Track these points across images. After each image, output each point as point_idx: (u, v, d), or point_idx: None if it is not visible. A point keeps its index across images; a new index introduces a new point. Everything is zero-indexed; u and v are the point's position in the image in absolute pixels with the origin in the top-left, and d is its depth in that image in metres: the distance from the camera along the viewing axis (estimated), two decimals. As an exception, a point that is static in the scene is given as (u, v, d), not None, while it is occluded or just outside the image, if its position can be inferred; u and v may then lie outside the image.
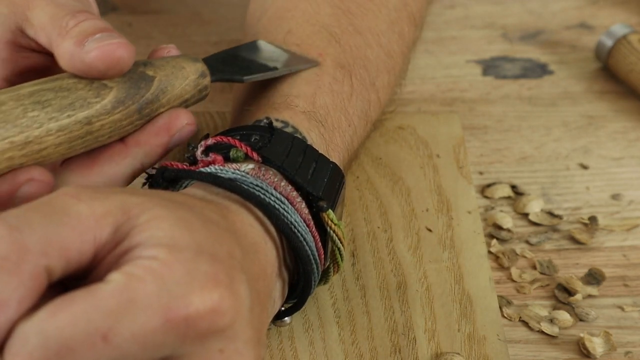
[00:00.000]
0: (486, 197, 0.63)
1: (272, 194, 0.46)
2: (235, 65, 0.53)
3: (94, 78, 0.45)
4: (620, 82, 0.73)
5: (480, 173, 0.65)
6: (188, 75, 0.49)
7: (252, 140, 0.48)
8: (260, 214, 0.46)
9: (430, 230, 0.59)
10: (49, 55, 0.48)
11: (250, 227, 0.45)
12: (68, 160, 0.46)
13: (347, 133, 0.54)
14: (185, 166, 0.48)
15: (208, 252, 0.38)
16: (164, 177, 0.47)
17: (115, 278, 0.36)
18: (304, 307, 0.53)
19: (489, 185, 0.64)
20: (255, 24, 0.60)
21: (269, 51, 0.55)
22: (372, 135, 0.65)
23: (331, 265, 0.50)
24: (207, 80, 0.49)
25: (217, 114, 0.65)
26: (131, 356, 0.35)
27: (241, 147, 0.47)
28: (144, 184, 0.49)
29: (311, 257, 0.47)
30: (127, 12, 0.80)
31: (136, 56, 0.47)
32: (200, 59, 0.50)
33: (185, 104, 0.49)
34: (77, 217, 0.38)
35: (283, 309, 0.50)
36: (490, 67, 0.75)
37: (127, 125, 0.46)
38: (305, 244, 0.46)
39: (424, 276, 0.56)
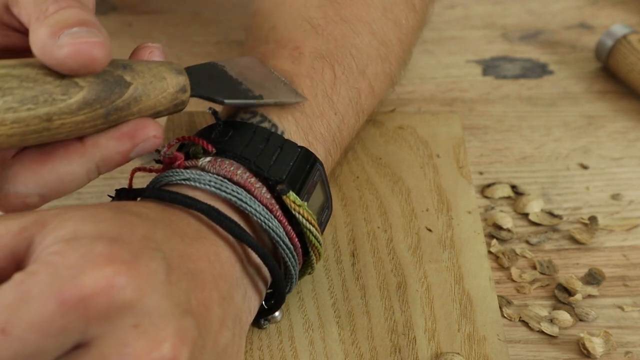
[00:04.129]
0: (486, 197, 0.63)
1: (226, 186, 0.47)
2: (220, 82, 0.50)
3: (64, 74, 0.42)
4: (620, 82, 0.73)
5: (480, 173, 0.65)
6: (167, 88, 0.45)
7: (212, 135, 0.50)
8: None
9: (430, 230, 0.59)
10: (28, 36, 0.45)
11: (197, 217, 0.46)
12: (21, 152, 0.44)
13: (332, 121, 0.55)
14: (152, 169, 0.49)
15: (109, 236, 0.39)
16: (119, 198, 0.49)
17: (14, 276, 0.37)
18: (304, 307, 0.53)
19: (489, 185, 0.64)
20: (252, 15, 0.61)
21: (260, 74, 0.53)
22: (372, 135, 0.65)
23: (311, 252, 0.50)
24: (185, 95, 0.46)
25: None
26: (36, 345, 0.36)
27: (198, 142, 0.49)
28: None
29: (280, 242, 0.48)
30: (127, 12, 0.80)
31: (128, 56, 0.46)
32: (184, 71, 0.47)
33: (157, 115, 0.46)
34: None
35: (267, 307, 0.51)
36: (490, 67, 0.75)
37: (89, 127, 0.43)
38: (271, 230, 0.48)
39: (424, 276, 0.56)
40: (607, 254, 0.59)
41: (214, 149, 0.49)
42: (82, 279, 0.37)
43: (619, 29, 0.73)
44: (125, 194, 0.49)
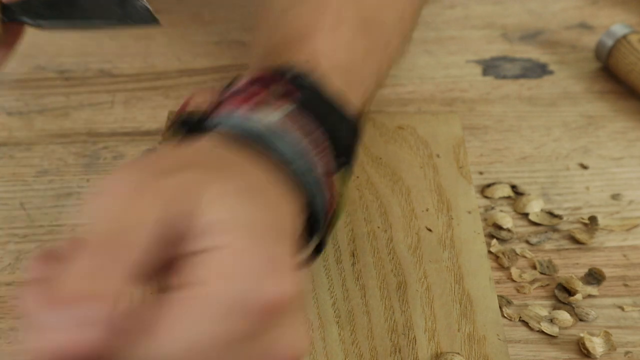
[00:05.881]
0: (486, 197, 0.63)
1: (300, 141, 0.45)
2: (60, 9, 0.44)
3: None
4: (620, 82, 0.73)
5: (480, 173, 0.65)
6: None
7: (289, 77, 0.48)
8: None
9: (430, 230, 0.59)
10: None
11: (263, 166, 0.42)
12: None
13: (359, 92, 0.54)
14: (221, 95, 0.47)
15: (269, 229, 0.37)
16: (188, 124, 0.46)
17: (187, 290, 0.35)
18: (304, 307, 0.53)
19: (489, 185, 0.64)
20: None
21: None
22: (372, 135, 0.65)
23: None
24: None
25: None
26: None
27: (285, 85, 0.47)
28: (169, 128, 0.47)
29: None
30: (127, 12, 0.79)
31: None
32: None
33: None
34: None
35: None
36: (490, 67, 0.75)
37: None
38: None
39: (424, 276, 0.56)
40: (607, 254, 0.59)
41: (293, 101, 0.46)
42: (265, 289, 0.35)
43: (619, 29, 0.73)
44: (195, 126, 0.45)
